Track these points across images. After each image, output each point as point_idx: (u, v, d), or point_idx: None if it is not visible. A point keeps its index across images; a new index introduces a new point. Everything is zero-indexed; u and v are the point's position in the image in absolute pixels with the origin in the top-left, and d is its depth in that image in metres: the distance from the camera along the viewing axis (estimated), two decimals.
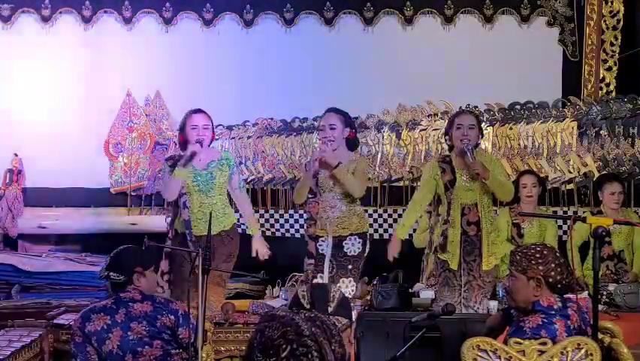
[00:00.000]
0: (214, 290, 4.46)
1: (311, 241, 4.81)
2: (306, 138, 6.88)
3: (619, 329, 3.22)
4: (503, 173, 4.93)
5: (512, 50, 7.17)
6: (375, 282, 5.22)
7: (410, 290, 5.30)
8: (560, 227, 5.96)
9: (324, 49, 7.29)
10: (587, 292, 5.00)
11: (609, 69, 7.06)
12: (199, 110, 4.84)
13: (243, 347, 4.55)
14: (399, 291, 5.07)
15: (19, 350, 3.94)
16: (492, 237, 4.84)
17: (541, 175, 6.19)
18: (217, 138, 7.06)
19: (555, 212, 6.34)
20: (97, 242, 6.66)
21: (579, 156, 6.48)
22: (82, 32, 7.33)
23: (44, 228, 6.96)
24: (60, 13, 7.34)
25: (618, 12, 7.05)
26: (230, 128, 7.14)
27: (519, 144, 6.68)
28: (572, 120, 6.61)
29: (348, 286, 4.63)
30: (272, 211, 6.81)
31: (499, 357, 2.97)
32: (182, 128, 4.84)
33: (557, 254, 3.16)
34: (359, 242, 4.78)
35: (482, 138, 5.08)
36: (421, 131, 6.84)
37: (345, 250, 4.75)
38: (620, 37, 7.05)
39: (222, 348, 4.69)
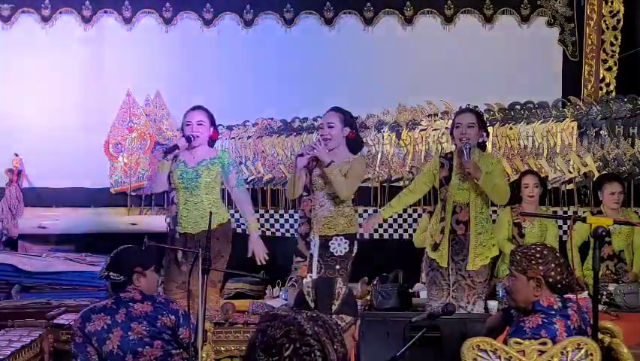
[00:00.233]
0: (208, 290, 4.37)
1: (301, 240, 4.78)
2: (306, 138, 6.87)
3: (619, 329, 3.22)
4: (502, 176, 4.88)
5: (512, 50, 7.17)
6: (375, 282, 5.23)
7: (410, 290, 5.32)
8: (560, 227, 5.96)
9: (324, 49, 7.28)
10: (587, 292, 5.00)
11: (609, 69, 7.06)
12: (197, 107, 4.79)
13: (243, 347, 4.56)
14: (399, 291, 5.08)
15: (19, 350, 3.94)
16: (481, 238, 4.80)
17: (542, 175, 6.20)
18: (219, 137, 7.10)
19: (555, 212, 6.34)
20: (97, 242, 6.66)
21: (579, 156, 6.48)
22: (82, 32, 7.33)
23: (44, 228, 6.96)
24: (60, 13, 7.34)
25: (618, 12, 7.05)
26: (230, 128, 7.14)
27: (519, 144, 6.68)
28: (572, 120, 6.61)
29: None
30: (272, 211, 6.81)
31: (499, 357, 2.97)
32: (182, 125, 4.84)
33: (557, 254, 3.16)
34: (345, 242, 4.66)
35: (487, 136, 5.03)
36: (421, 131, 6.84)
37: (331, 250, 4.62)
38: (620, 37, 7.05)
39: (222, 348, 4.70)
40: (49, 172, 7.16)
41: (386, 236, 6.53)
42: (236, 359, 4.69)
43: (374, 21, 7.27)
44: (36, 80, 7.25)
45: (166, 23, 7.36)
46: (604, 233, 3.07)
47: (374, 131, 6.92)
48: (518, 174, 6.23)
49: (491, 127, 6.72)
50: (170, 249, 4.70)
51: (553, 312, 3.06)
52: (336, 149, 4.76)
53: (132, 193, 7.12)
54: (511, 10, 7.21)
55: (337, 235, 4.67)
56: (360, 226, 4.92)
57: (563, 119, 6.64)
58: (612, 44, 7.07)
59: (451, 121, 5.10)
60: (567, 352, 2.95)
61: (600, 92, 7.00)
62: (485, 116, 6.78)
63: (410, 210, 6.55)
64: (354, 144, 4.89)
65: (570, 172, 6.47)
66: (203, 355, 3.49)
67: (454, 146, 5.02)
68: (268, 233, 6.73)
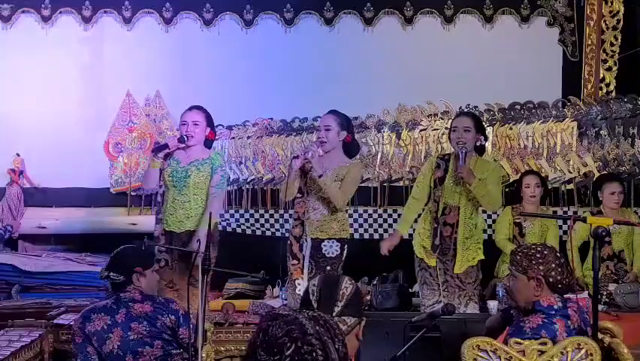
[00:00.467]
0: (192, 291, 4.18)
1: (296, 243, 4.75)
2: (306, 138, 6.87)
3: (619, 329, 3.22)
4: (496, 184, 4.86)
5: (512, 50, 7.17)
6: (375, 282, 5.23)
7: (410, 290, 5.31)
8: (560, 227, 5.96)
9: (324, 49, 7.29)
10: (587, 292, 5.00)
11: (609, 69, 7.06)
12: (194, 107, 4.75)
13: (243, 347, 4.56)
14: (399, 291, 5.08)
15: (19, 350, 3.94)
16: (468, 243, 4.79)
17: (542, 175, 6.19)
18: (217, 138, 7.09)
19: (555, 212, 6.34)
20: (97, 242, 6.66)
21: (579, 156, 6.48)
22: (82, 32, 7.34)
23: (44, 228, 6.96)
24: (60, 13, 7.35)
25: (618, 12, 7.06)
26: (230, 128, 7.14)
27: (519, 144, 6.67)
28: (572, 120, 6.61)
29: None
30: (272, 211, 6.81)
31: (499, 357, 2.97)
32: (179, 124, 4.82)
33: (558, 254, 3.15)
34: (337, 245, 4.69)
35: (486, 140, 5.02)
36: (421, 131, 6.83)
37: (323, 251, 4.67)
38: (620, 37, 7.06)
39: (222, 348, 4.70)
40: (49, 172, 7.17)
41: (386, 236, 6.52)
42: (236, 359, 4.69)
43: (374, 21, 7.28)
44: (36, 79, 7.26)
45: (166, 23, 7.37)
46: (604, 233, 3.07)
47: (374, 131, 6.92)
48: (518, 174, 6.23)
49: (491, 127, 6.73)
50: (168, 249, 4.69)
51: (553, 312, 3.06)
52: (332, 152, 4.73)
53: (132, 193, 7.12)
54: (511, 10, 7.22)
55: (330, 239, 4.69)
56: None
57: (563, 119, 6.64)
58: (612, 44, 7.07)
59: (450, 121, 5.10)
60: (567, 352, 2.95)
61: (600, 92, 7.00)
62: (485, 116, 6.79)
63: None
64: (351, 148, 4.86)
65: (570, 172, 6.46)
66: (203, 355, 3.49)
67: (446, 147, 5.04)
68: (268, 233, 6.73)
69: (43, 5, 7.32)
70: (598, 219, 3.16)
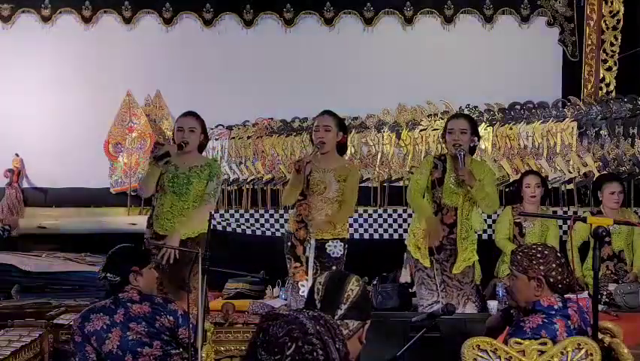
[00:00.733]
0: (182, 295, 4.17)
1: (299, 245, 4.74)
2: (306, 138, 6.87)
3: (619, 329, 3.22)
4: (492, 185, 4.87)
5: (512, 50, 7.17)
6: (375, 282, 5.23)
7: (410, 290, 5.31)
8: (560, 227, 5.96)
9: (324, 49, 7.29)
10: (587, 292, 5.00)
11: (609, 69, 7.06)
12: (189, 113, 4.71)
13: (243, 347, 4.56)
14: (399, 291, 5.08)
15: (19, 350, 3.93)
16: (465, 243, 4.79)
17: (542, 175, 6.20)
18: (217, 138, 7.10)
19: (555, 212, 6.34)
20: (97, 242, 6.64)
21: (579, 156, 6.48)
22: (82, 32, 7.34)
23: (44, 228, 6.96)
24: (60, 13, 7.35)
25: (618, 12, 7.06)
26: (230, 128, 7.14)
27: (519, 144, 6.68)
28: (572, 120, 6.61)
29: None
30: (272, 211, 6.81)
31: (499, 357, 2.97)
32: (173, 130, 4.78)
33: (558, 254, 3.15)
34: (341, 245, 4.73)
35: (479, 140, 5.00)
36: (421, 131, 6.84)
37: (327, 251, 4.70)
38: (620, 37, 7.05)
39: (222, 348, 4.70)
40: (49, 172, 7.17)
41: (386, 236, 6.53)
42: (236, 359, 4.69)
43: (374, 21, 7.28)
44: (36, 79, 7.26)
45: (166, 23, 7.37)
46: (604, 233, 3.07)
47: (374, 131, 6.92)
48: (518, 174, 6.23)
49: (491, 127, 6.73)
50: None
51: (553, 312, 3.06)
52: (329, 153, 4.76)
53: (132, 193, 7.12)
54: (511, 10, 7.21)
55: (334, 239, 4.71)
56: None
57: (563, 119, 6.64)
58: (612, 44, 7.07)
59: (445, 122, 5.05)
60: (567, 352, 2.95)
61: (600, 92, 7.00)
62: (485, 116, 6.79)
63: (410, 210, 6.54)
64: (342, 148, 4.90)
65: (570, 172, 6.47)
66: (203, 355, 3.49)
67: (446, 148, 4.99)
68: (268, 233, 6.73)
69: (43, 5, 7.32)
70: (598, 219, 3.16)
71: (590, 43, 7.07)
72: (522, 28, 7.23)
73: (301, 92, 7.12)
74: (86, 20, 7.34)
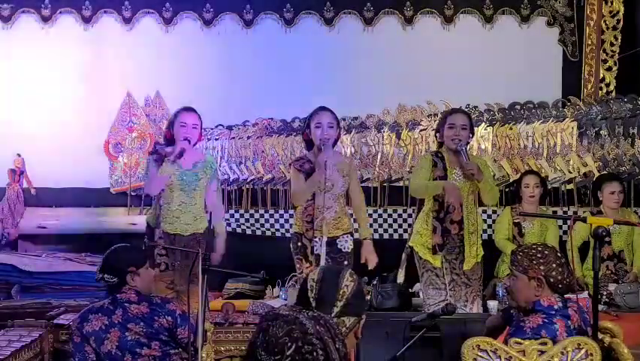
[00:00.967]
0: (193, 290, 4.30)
1: (310, 245, 4.75)
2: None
3: (619, 329, 3.22)
4: (492, 176, 4.92)
5: (512, 50, 7.17)
6: (375, 282, 5.23)
7: (410, 290, 5.31)
8: (560, 227, 5.96)
9: (324, 49, 7.29)
10: (587, 292, 5.00)
11: (609, 69, 7.06)
12: (190, 109, 4.76)
13: (243, 347, 4.56)
14: (399, 291, 5.07)
15: (19, 350, 3.94)
16: (473, 238, 4.77)
17: (542, 175, 6.19)
18: (217, 138, 7.11)
19: (555, 212, 6.34)
20: (97, 242, 6.63)
21: (579, 156, 6.48)
22: (82, 32, 7.34)
23: (44, 228, 6.96)
24: (60, 13, 7.34)
25: (618, 12, 7.06)
26: (230, 128, 7.14)
27: (519, 144, 6.68)
28: (572, 120, 6.61)
29: None
30: (272, 211, 6.81)
31: (499, 357, 2.97)
32: (171, 125, 4.75)
33: (558, 254, 3.15)
34: (351, 240, 4.80)
35: (472, 137, 4.99)
36: (421, 131, 6.84)
37: (339, 247, 4.76)
38: (620, 37, 7.06)
39: (222, 348, 4.69)
40: (49, 172, 7.16)
41: (386, 236, 6.53)
42: (237, 359, 4.69)
43: (374, 21, 7.28)
44: (36, 80, 7.26)
45: (166, 23, 7.37)
46: (604, 233, 3.07)
47: (374, 131, 6.92)
48: (518, 174, 6.23)
49: (491, 127, 6.73)
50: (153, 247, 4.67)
51: (553, 312, 3.06)
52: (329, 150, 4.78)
53: (132, 193, 7.12)
54: (511, 10, 7.22)
55: (344, 234, 4.77)
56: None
57: (563, 119, 6.64)
58: (612, 44, 7.08)
59: (443, 116, 5.00)
60: (567, 352, 2.95)
61: (600, 92, 7.00)
62: (485, 116, 6.80)
63: (410, 210, 6.54)
64: (335, 144, 4.94)
65: (570, 172, 6.47)
66: (203, 355, 3.49)
67: (437, 144, 4.95)
68: (268, 233, 6.73)
69: (43, 5, 7.31)
70: (598, 219, 3.16)
71: (590, 43, 7.07)
72: (522, 28, 7.23)
73: (301, 92, 7.11)
74: (86, 20, 7.33)
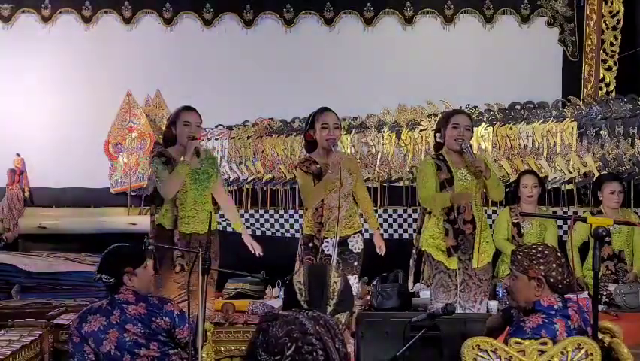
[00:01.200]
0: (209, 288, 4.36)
1: (321, 246, 4.75)
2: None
3: (619, 329, 3.22)
4: (496, 173, 4.95)
5: (512, 50, 7.17)
6: (375, 282, 5.22)
7: (410, 290, 5.31)
8: (559, 227, 5.96)
9: (324, 49, 7.29)
10: (587, 292, 5.00)
11: (609, 69, 7.06)
12: (192, 108, 4.76)
13: (243, 347, 4.55)
14: (399, 291, 5.07)
15: (19, 350, 3.94)
16: (484, 235, 4.74)
17: (541, 175, 6.20)
18: (217, 138, 7.11)
19: (555, 212, 6.34)
20: (97, 242, 6.62)
21: (579, 156, 6.48)
22: (82, 32, 7.34)
23: (44, 228, 6.96)
24: (60, 13, 7.35)
25: (618, 12, 7.06)
26: (230, 128, 7.15)
27: (519, 144, 6.68)
28: (572, 120, 6.61)
29: (353, 284, 4.58)
30: (272, 211, 6.81)
31: (499, 357, 2.96)
32: (172, 124, 4.73)
33: (559, 254, 3.15)
34: (361, 239, 4.85)
35: (472, 137, 4.99)
36: (421, 131, 6.84)
37: (350, 247, 4.80)
38: (620, 37, 7.06)
39: (222, 348, 4.70)
40: (49, 172, 7.16)
41: (386, 236, 6.52)
42: (237, 359, 4.69)
43: (374, 21, 7.28)
44: (36, 79, 7.26)
45: (166, 23, 7.37)
46: (604, 233, 3.07)
47: (374, 131, 6.92)
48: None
49: (491, 127, 6.73)
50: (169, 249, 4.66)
51: (553, 312, 3.06)
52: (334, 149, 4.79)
53: (132, 193, 7.12)
54: (511, 10, 7.22)
55: (355, 233, 4.82)
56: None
57: (563, 119, 6.64)
58: (612, 44, 7.08)
59: (445, 117, 4.96)
60: (567, 352, 2.95)
61: (600, 92, 7.00)
62: (485, 116, 6.80)
63: (410, 210, 6.55)
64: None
65: (570, 172, 6.47)
66: (203, 355, 3.49)
67: (436, 145, 4.93)
68: (268, 233, 6.73)
69: (43, 5, 7.32)
70: (598, 219, 3.16)
71: (590, 43, 7.07)
72: (522, 28, 7.23)
73: (301, 92, 7.12)
74: (86, 20, 7.34)
